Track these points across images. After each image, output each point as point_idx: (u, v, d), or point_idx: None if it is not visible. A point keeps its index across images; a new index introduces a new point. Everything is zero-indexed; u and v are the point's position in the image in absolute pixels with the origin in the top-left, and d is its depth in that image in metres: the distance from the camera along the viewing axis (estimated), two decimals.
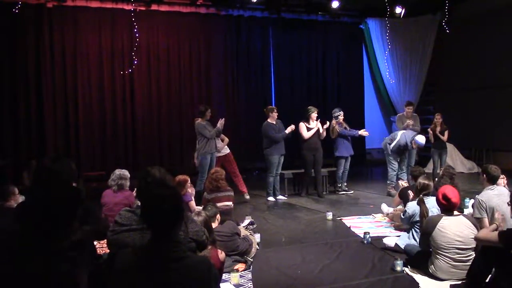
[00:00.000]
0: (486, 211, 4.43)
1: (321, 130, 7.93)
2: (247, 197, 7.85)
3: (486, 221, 4.36)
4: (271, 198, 7.87)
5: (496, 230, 3.62)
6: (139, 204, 2.76)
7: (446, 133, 8.74)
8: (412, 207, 4.69)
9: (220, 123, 7.52)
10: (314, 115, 7.92)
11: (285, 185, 8.27)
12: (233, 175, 7.86)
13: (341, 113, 8.28)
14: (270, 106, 8.20)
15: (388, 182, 8.05)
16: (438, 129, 8.76)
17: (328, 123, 8.02)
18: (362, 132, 8.30)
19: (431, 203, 4.58)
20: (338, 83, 12.24)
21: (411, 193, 5.40)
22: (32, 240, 1.90)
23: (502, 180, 4.81)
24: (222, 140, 7.79)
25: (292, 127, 7.70)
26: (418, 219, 4.62)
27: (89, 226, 2.85)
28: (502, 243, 3.28)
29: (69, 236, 2.06)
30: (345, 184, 8.46)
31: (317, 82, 12.12)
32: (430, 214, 4.51)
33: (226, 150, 7.88)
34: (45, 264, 1.86)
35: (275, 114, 7.80)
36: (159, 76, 10.49)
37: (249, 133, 10.67)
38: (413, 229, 4.69)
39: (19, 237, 1.91)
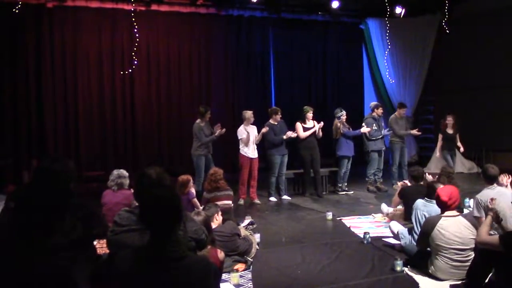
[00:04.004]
0: (484, 210, 4.44)
1: (317, 130, 7.91)
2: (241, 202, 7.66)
3: (483, 220, 4.38)
4: (272, 198, 7.85)
5: (492, 221, 3.63)
6: (137, 204, 2.75)
7: (457, 136, 8.80)
8: (416, 202, 4.74)
9: (219, 132, 7.51)
10: (309, 114, 7.93)
11: (285, 185, 8.26)
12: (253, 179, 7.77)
13: (344, 112, 8.28)
14: (274, 108, 8.12)
15: (366, 179, 8.55)
16: (451, 131, 8.78)
17: (322, 123, 7.99)
18: (363, 129, 8.32)
19: (429, 207, 4.59)
20: (338, 83, 12.22)
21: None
22: (30, 238, 1.89)
23: (506, 179, 4.80)
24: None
25: (291, 134, 7.66)
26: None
27: (90, 227, 2.83)
28: (502, 246, 3.28)
29: (67, 235, 2.06)
30: (345, 184, 8.47)
31: (317, 82, 12.11)
32: (416, 212, 4.59)
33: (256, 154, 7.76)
34: (43, 262, 1.85)
35: (277, 117, 7.78)
36: (159, 76, 10.48)
37: None
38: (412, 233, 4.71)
39: (18, 235, 1.91)
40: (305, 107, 8.09)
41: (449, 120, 8.84)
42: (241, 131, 7.60)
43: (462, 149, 8.87)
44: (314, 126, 7.94)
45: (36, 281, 1.82)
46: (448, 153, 8.84)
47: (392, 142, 8.76)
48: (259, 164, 7.80)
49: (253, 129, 7.67)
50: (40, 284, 1.83)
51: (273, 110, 7.95)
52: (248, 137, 7.53)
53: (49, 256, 1.89)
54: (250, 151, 7.60)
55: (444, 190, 3.99)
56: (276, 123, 7.78)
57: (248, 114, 7.70)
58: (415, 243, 4.49)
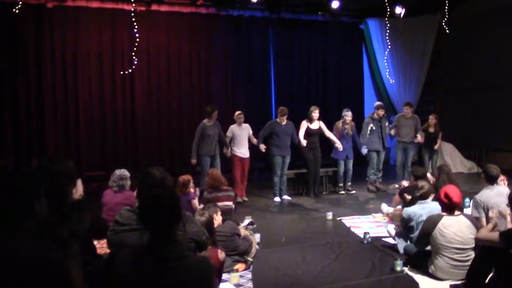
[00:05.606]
0: (484, 210, 4.45)
1: (325, 130, 7.96)
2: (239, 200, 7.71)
3: (484, 220, 4.39)
4: (277, 199, 7.81)
5: (494, 228, 3.63)
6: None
7: (440, 135, 8.90)
8: (408, 211, 4.64)
9: (224, 153, 7.73)
10: (313, 114, 7.91)
11: (285, 185, 8.24)
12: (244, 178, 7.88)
13: (346, 113, 8.25)
14: (280, 108, 8.05)
15: (366, 179, 8.64)
16: (432, 130, 8.88)
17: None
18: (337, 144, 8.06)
19: (427, 208, 4.54)
20: (338, 83, 12.20)
21: (407, 196, 5.40)
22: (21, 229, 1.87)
23: (503, 181, 4.82)
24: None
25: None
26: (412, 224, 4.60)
27: (82, 222, 2.82)
28: (503, 243, 3.29)
29: (55, 229, 2.05)
30: (349, 184, 8.44)
31: (317, 82, 12.09)
32: (418, 219, 4.51)
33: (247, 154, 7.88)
34: (33, 252, 1.83)
35: (283, 118, 7.79)
36: (159, 76, 10.47)
37: None
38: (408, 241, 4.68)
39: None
40: (311, 107, 8.06)
41: (431, 119, 9.05)
42: (229, 131, 7.76)
43: (436, 146, 8.96)
44: (319, 127, 7.95)
45: (24, 270, 1.79)
46: (427, 152, 9.06)
47: (397, 141, 8.94)
48: (258, 164, 7.82)
49: (243, 130, 7.76)
50: (29, 273, 1.79)
51: (277, 111, 8.00)
52: (231, 138, 7.67)
53: (39, 244, 1.86)
54: (240, 150, 7.68)
55: (453, 191, 3.95)
56: (281, 123, 7.79)
57: (234, 115, 7.85)
58: (412, 245, 4.49)
